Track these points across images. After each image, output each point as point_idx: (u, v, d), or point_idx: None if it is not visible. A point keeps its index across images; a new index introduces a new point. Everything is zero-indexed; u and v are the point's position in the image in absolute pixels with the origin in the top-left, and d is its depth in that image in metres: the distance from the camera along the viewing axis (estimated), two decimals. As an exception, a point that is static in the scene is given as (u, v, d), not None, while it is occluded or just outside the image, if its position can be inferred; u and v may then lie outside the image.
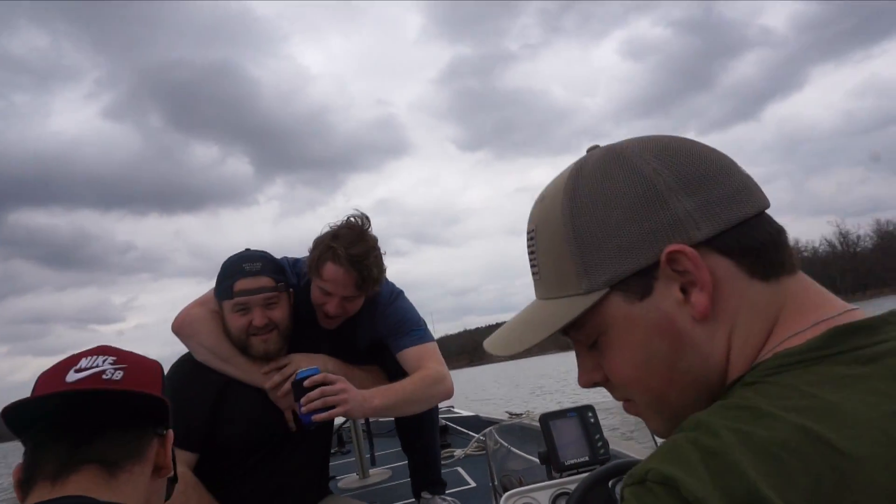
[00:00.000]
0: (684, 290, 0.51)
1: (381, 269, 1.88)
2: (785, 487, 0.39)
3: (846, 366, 0.45)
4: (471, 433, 3.79)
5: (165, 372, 0.94)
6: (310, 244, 1.91)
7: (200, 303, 1.88)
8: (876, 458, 0.39)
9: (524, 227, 0.61)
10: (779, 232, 0.53)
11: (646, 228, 0.51)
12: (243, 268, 1.75)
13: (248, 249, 1.89)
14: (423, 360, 1.92)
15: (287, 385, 1.76)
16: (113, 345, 0.90)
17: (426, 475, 2.23)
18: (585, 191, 0.54)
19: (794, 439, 0.41)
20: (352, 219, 1.89)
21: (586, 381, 0.59)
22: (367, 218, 1.90)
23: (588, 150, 0.58)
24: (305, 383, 1.67)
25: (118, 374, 0.84)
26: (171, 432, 0.90)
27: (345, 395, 1.68)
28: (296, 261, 2.02)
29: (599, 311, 0.54)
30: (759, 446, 0.41)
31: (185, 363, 1.83)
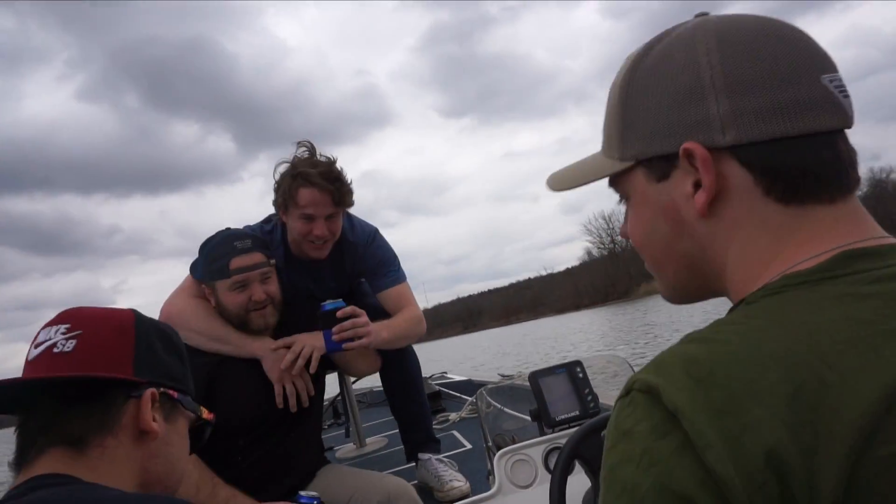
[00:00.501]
0: (698, 186, 0.53)
1: (349, 180, 1.97)
2: (767, 395, 0.40)
3: (849, 286, 0.45)
4: (465, 397, 3.83)
5: None
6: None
7: (181, 291, 1.89)
8: (861, 371, 0.39)
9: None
10: (822, 162, 0.49)
11: (676, 120, 0.53)
12: (235, 246, 1.77)
13: (228, 228, 1.88)
14: (402, 300, 2.13)
15: (300, 362, 1.79)
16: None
17: (417, 432, 2.27)
18: (645, 68, 0.56)
19: (781, 350, 0.41)
20: (299, 150, 1.97)
21: (622, 231, 0.64)
22: (312, 144, 1.98)
23: (695, 16, 0.57)
24: (339, 313, 1.80)
25: (69, 345, 0.78)
26: (149, 392, 0.82)
27: (368, 326, 1.83)
28: (260, 227, 2.09)
29: (625, 179, 0.60)
30: (746, 357, 0.42)
31: None
